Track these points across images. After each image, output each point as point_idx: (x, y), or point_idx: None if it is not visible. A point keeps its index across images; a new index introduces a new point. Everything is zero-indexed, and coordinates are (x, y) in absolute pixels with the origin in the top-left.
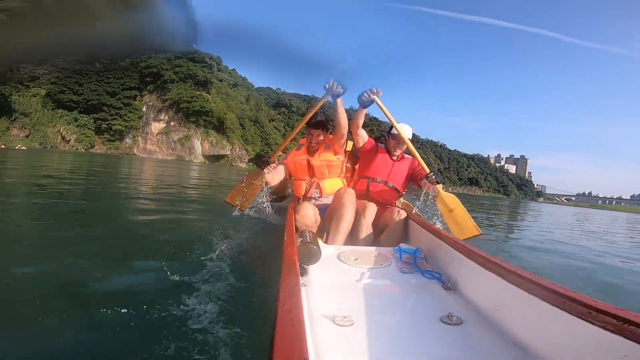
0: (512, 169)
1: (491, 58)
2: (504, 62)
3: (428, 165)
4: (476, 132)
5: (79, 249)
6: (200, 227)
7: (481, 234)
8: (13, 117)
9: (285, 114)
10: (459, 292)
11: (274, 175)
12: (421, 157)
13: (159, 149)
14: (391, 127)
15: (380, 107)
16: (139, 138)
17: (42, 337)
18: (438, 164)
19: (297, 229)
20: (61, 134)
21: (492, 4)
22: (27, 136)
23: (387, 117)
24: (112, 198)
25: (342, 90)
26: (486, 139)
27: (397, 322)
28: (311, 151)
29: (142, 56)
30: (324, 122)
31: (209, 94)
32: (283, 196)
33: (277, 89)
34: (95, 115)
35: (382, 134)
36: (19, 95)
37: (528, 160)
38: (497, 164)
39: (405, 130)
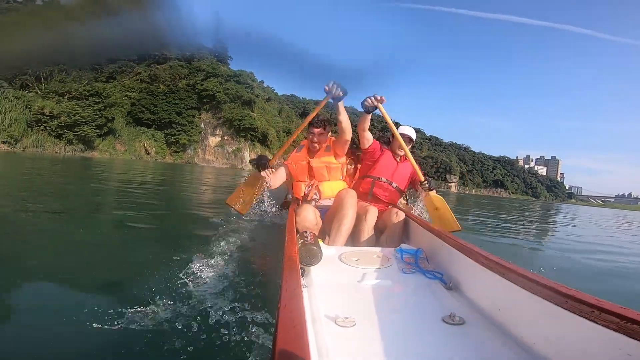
0: (542, 170)
1: (521, 55)
2: (536, 58)
3: (445, 170)
4: (504, 133)
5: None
6: (206, 225)
7: (461, 230)
8: (116, 135)
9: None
10: (460, 291)
11: (275, 178)
12: (444, 160)
13: (216, 158)
14: (397, 128)
15: (383, 114)
16: (199, 150)
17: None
18: (461, 167)
19: (297, 231)
20: (145, 147)
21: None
22: (126, 150)
23: (389, 124)
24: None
25: (341, 93)
26: (515, 140)
27: (399, 322)
28: (312, 152)
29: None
30: (323, 121)
31: (253, 111)
32: (287, 202)
33: (302, 98)
34: (166, 131)
35: (385, 134)
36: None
37: (560, 162)
38: (526, 166)
39: (408, 132)
